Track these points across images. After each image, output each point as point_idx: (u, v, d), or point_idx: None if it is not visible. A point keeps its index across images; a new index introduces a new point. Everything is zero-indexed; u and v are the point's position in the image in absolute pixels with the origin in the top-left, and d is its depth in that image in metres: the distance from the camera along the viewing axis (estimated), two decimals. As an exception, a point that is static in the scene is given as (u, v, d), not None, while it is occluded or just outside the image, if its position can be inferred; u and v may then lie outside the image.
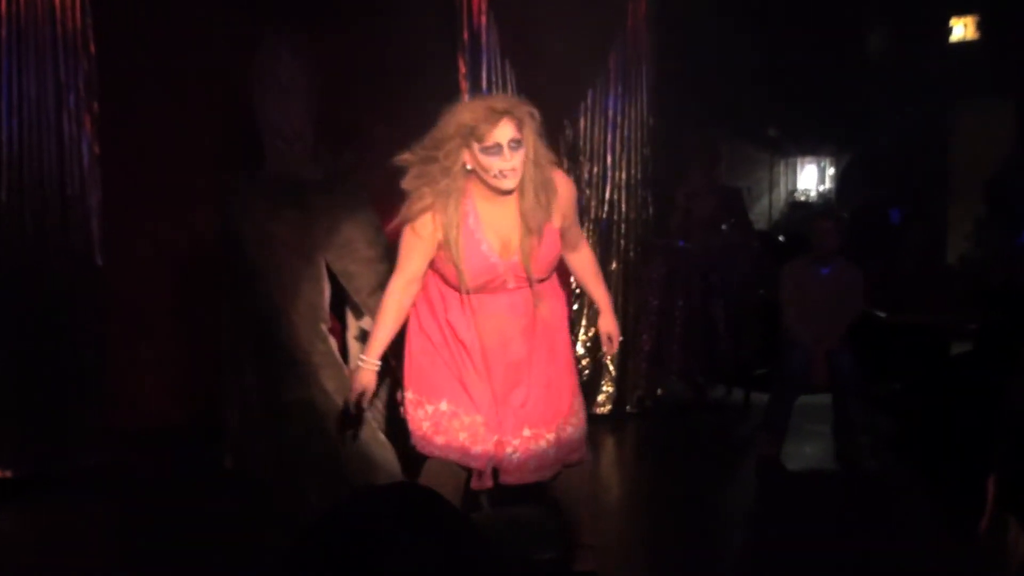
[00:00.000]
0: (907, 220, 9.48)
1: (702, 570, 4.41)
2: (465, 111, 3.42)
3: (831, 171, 11.66)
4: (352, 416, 4.26)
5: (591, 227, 6.93)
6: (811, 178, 11.82)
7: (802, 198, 11.82)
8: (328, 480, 4.62)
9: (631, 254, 7.01)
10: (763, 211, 11.72)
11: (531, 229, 3.52)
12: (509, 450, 3.63)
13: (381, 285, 5.10)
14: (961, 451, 4.99)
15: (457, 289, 3.58)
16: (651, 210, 7.05)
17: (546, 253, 3.62)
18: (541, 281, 3.66)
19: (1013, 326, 6.21)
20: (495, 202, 3.53)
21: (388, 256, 5.20)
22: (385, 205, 5.76)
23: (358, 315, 5.16)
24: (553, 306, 3.76)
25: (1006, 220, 8.49)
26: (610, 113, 6.91)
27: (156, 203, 5.86)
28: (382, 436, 4.98)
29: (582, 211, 6.97)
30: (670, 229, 7.45)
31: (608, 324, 4.02)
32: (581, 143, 6.89)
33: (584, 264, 3.98)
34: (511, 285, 3.59)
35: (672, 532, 3.87)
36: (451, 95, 6.24)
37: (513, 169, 3.41)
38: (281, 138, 5.07)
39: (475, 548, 1.32)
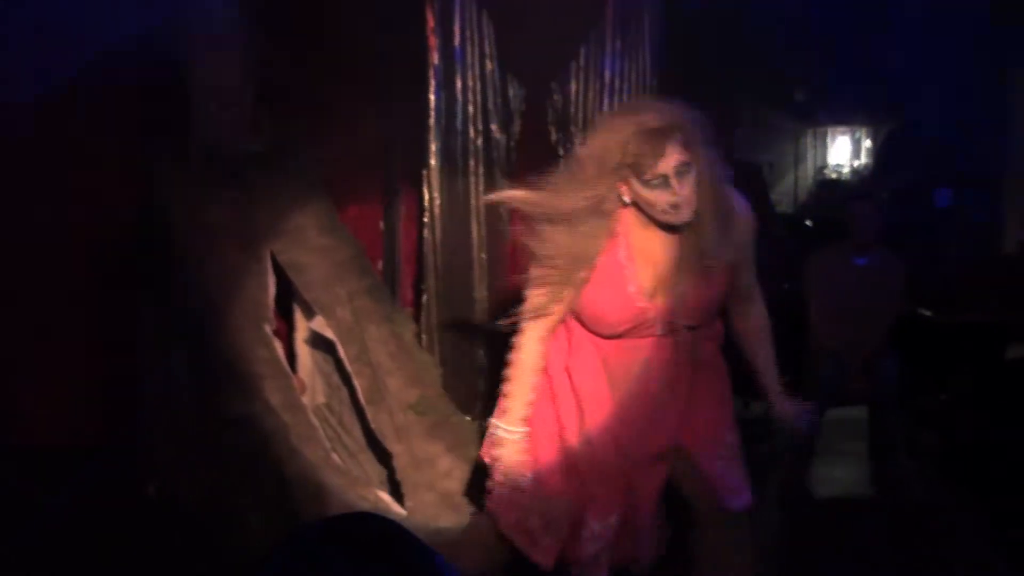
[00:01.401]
0: (957, 202, 9.53)
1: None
2: (613, 138, 3.19)
3: (867, 143, 11.72)
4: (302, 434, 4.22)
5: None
6: (844, 151, 11.88)
7: (834, 175, 11.88)
8: (272, 511, 4.61)
9: (631, 242, 7.01)
10: (788, 190, 11.77)
11: (710, 268, 3.34)
12: (647, 532, 3.57)
13: (337, 277, 5.13)
14: (1015, 474, 5.02)
15: (589, 330, 3.47)
16: (655, 190, 7.06)
17: (709, 294, 3.44)
18: (698, 328, 3.50)
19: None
20: (653, 231, 3.34)
21: (344, 244, 5.19)
22: (341, 184, 5.78)
23: (308, 314, 5.16)
24: (714, 354, 3.61)
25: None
26: (607, 75, 6.90)
27: (57, 173, 5.78)
28: (336, 459, 4.97)
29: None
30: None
31: (787, 407, 3.70)
32: (572, 110, 6.87)
33: (756, 325, 3.69)
34: (659, 332, 3.43)
35: (681, 570, 3.85)
36: (417, 52, 6.27)
37: (686, 200, 3.20)
38: (213, 101, 5.04)
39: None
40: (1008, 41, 9.25)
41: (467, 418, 5.84)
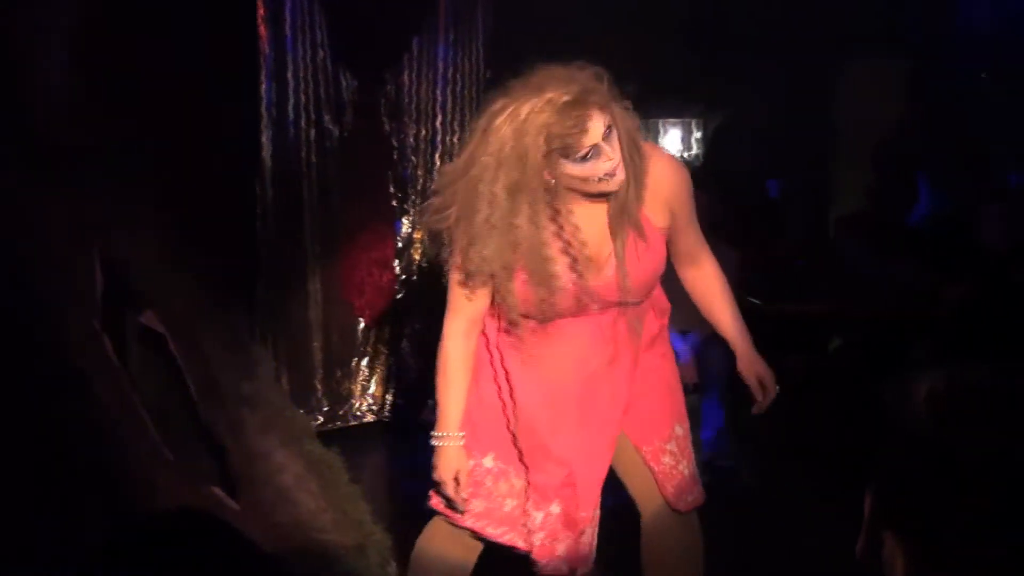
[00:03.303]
0: (787, 192, 9.80)
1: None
2: (526, 127, 2.95)
3: (698, 135, 11.94)
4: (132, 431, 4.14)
5: (416, 201, 7.00)
6: (676, 142, 12.07)
7: (666, 167, 12.05)
8: (101, 508, 4.58)
9: (466, 233, 7.09)
10: (621, 182, 11.93)
11: (636, 230, 3.19)
12: (587, 530, 3.44)
13: (167, 271, 5.11)
14: (842, 460, 5.23)
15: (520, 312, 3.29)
16: (489, 181, 7.13)
17: (647, 265, 3.29)
18: (639, 303, 3.40)
19: (894, 318, 6.51)
20: (577, 205, 3.17)
21: (175, 237, 5.18)
22: (173, 176, 5.74)
23: (139, 308, 5.13)
24: (660, 334, 3.54)
25: (897, 192, 8.85)
26: (440, 66, 6.99)
27: None
28: (167, 454, 4.96)
29: (404, 181, 7.02)
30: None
31: (754, 366, 3.60)
32: (406, 101, 6.96)
33: (708, 285, 3.57)
34: (595, 309, 3.30)
35: (506, 560, 3.88)
36: (248, 41, 6.26)
37: (618, 163, 3.04)
38: (36, 91, 4.99)
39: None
40: (835, 33, 9.54)
41: (301, 412, 5.87)
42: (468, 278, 3.19)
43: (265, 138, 6.37)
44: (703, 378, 6.22)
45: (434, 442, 3.37)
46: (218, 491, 5.12)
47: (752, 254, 7.77)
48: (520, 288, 3.19)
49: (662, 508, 3.55)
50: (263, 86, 6.32)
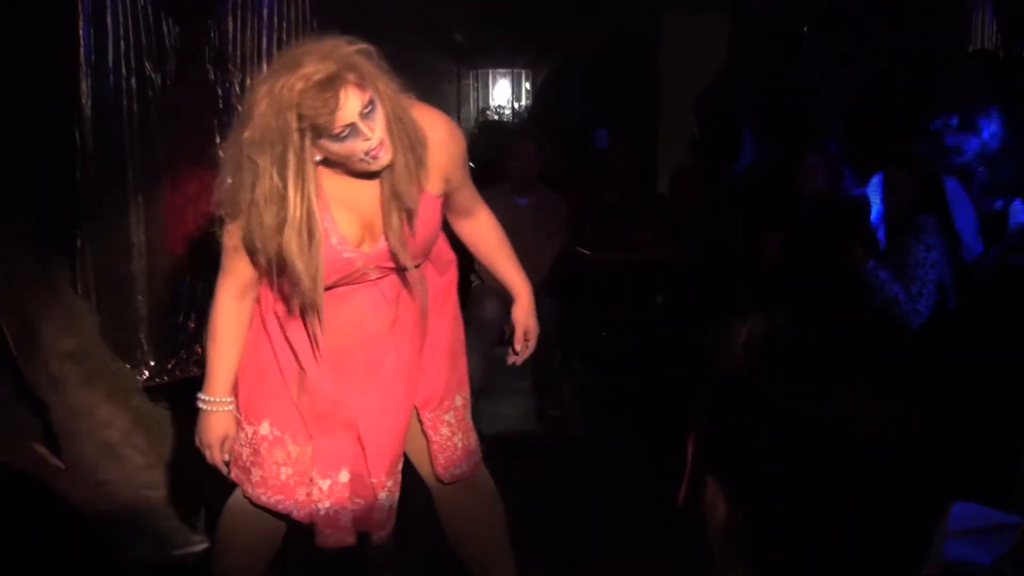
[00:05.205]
0: (615, 142, 9.91)
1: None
2: (281, 105, 2.86)
3: (527, 85, 11.97)
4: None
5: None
6: (505, 93, 12.08)
7: (495, 117, 12.08)
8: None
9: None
10: (451, 132, 11.88)
11: (408, 209, 3.12)
12: (383, 495, 3.38)
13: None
14: (668, 407, 5.37)
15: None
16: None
17: (423, 232, 3.22)
18: (418, 265, 3.32)
19: (716, 268, 6.66)
20: (347, 177, 3.10)
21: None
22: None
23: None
24: (435, 284, 3.48)
25: (721, 143, 9.02)
26: (265, 12, 6.90)
27: None
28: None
29: (229, 131, 6.94)
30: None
31: (528, 318, 3.69)
32: (230, 49, 6.85)
33: (484, 235, 3.59)
34: (374, 276, 3.24)
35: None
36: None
37: (381, 142, 2.96)
38: None
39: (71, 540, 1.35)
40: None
41: (127, 366, 5.79)
42: (245, 243, 3.09)
43: (84, 86, 6.21)
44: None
45: (200, 405, 3.28)
46: (41, 447, 5.03)
47: (581, 204, 7.86)
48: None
49: (433, 476, 3.58)
50: (81, 32, 6.17)
